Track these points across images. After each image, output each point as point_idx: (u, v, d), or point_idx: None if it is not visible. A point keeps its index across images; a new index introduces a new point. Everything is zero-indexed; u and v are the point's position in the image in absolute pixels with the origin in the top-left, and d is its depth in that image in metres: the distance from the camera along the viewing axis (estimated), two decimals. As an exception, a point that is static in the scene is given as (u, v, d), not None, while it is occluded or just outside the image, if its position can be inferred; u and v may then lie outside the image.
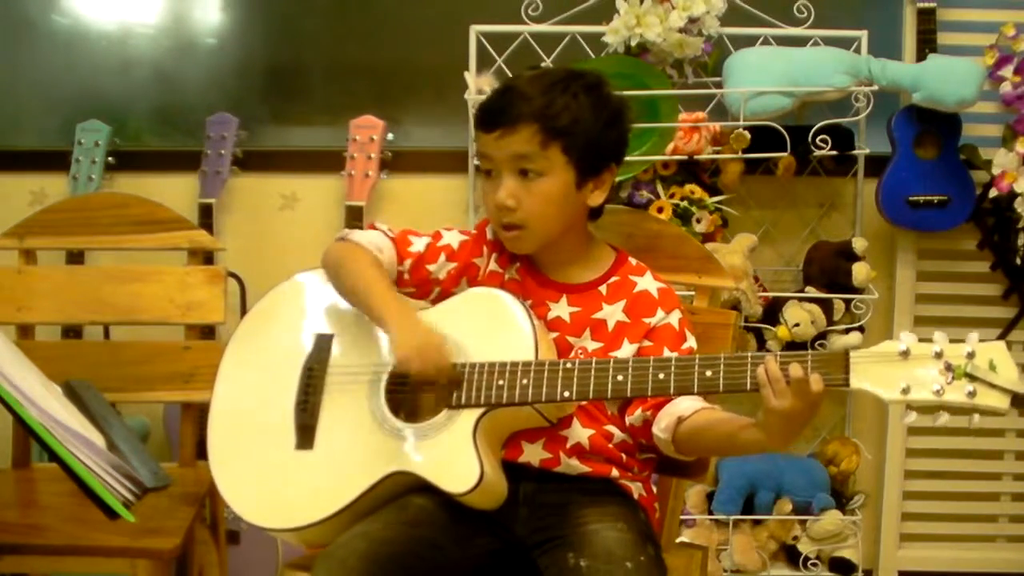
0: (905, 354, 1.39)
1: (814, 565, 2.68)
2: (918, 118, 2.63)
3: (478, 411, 1.54)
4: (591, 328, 1.64)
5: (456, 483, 1.50)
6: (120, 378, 2.11)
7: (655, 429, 1.59)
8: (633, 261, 1.72)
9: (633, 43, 2.58)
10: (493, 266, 1.70)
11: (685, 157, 2.60)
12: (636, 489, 1.65)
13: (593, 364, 1.53)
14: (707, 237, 2.61)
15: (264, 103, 2.96)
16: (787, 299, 2.67)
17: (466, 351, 1.59)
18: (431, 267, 1.68)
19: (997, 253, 2.77)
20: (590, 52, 2.64)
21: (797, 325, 2.61)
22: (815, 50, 2.63)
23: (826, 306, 2.66)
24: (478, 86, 2.54)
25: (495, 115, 1.60)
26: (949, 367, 1.37)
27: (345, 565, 1.46)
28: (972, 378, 1.36)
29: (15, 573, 1.89)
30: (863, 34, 2.67)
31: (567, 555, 1.51)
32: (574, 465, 1.61)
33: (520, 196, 1.60)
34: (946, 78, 2.54)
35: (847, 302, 2.67)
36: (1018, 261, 2.70)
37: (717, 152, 2.62)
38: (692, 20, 2.56)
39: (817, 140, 2.57)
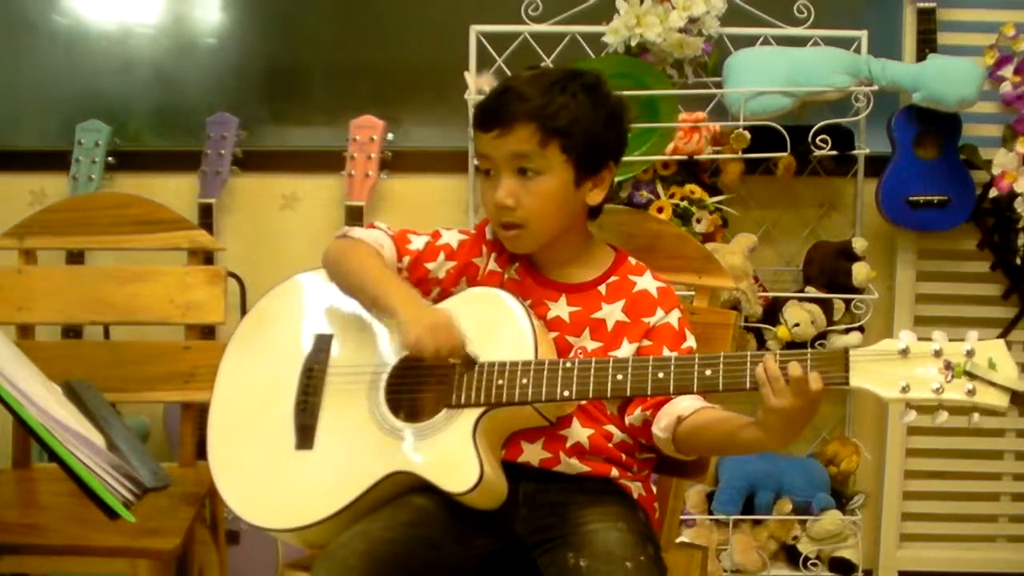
0: (904, 352, 1.39)
1: (814, 565, 2.68)
2: (918, 118, 2.63)
3: (478, 411, 1.54)
4: (590, 328, 1.64)
5: (456, 483, 1.50)
6: (120, 378, 2.11)
7: (655, 428, 1.59)
8: (632, 261, 1.72)
9: (633, 43, 2.58)
10: (492, 266, 1.70)
11: (685, 157, 2.60)
12: (636, 489, 1.65)
13: (593, 364, 1.53)
14: (707, 237, 2.61)
15: (264, 103, 2.96)
16: (787, 299, 2.67)
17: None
18: (430, 265, 1.68)
19: (997, 253, 2.77)
20: (590, 52, 2.64)
21: (797, 325, 2.61)
22: (815, 50, 2.63)
23: (826, 306, 2.66)
24: (478, 86, 2.54)
25: (493, 115, 1.60)
26: (948, 365, 1.37)
27: (345, 565, 1.46)
28: (971, 376, 1.36)
29: (15, 573, 1.89)
30: (863, 34, 2.67)
31: (567, 555, 1.51)
32: (574, 465, 1.61)
33: (519, 195, 1.60)
34: (946, 78, 2.54)
35: (847, 302, 2.67)
36: (1018, 261, 2.70)
37: (717, 152, 2.62)
38: (692, 20, 2.56)
39: (817, 140, 2.57)
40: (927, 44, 2.66)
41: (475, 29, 2.65)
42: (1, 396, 1.45)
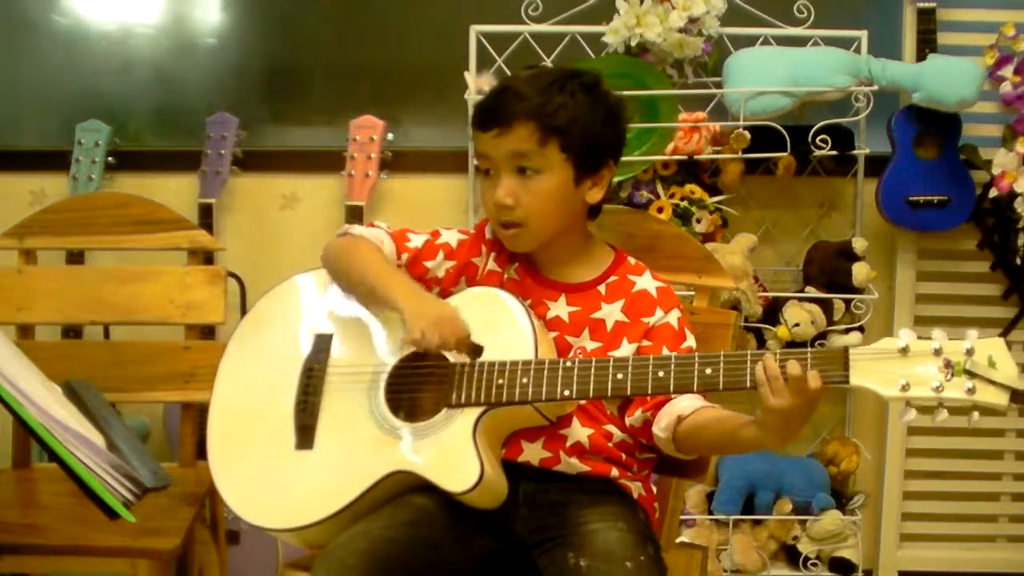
0: (904, 351, 1.39)
1: (814, 565, 2.68)
2: (918, 118, 2.63)
3: (478, 410, 1.54)
4: (590, 328, 1.64)
5: (456, 482, 1.50)
6: (120, 378, 2.11)
7: (655, 429, 1.59)
8: (632, 260, 1.72)
9: (633, 43, 2.58)
10: (492, 265, 1.70)
11: (685, 157, 2.60)
12: (636, 489, 1.65)
13: (593, 363, 1.53)
14: (707, 237, 2.61)
15: (264, 103, 2.96)
16: (787, 299, 2.67)
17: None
18: (429, 264, 1.68)
19: (997, 253, 2.77)
20: (590, 52, 2.64)
21: (797, 325, 2.61)
22: (815, 50, 2.63)
23: (826, 306, 2.66)
24: (478, 86, 2.54)
25: (492, 114, 1.61)
26: (948, 364, 1.37)
27: (345, 564, 1.46)
28: (971, 375, 1.36)
29: (15, 573, 1.89)
30: (863, 34, 2.67)
31: (567, 555, 1.51)
32: (574, 464, 1.61)
33: (519, 194, 1.60)
34: (946, 78, 2.54)
35: (847, 302, 2.67)
36: (1018, 261, 2.70)
37: (717, 152, 2.62)
38: (692, 20, 2.56)
39: (817, 140, 2.57)
40: (927, 44, 2.66)
41: (475, 29, 2.65)
42: (1, 396, 1.45)
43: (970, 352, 1.37)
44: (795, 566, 2.69)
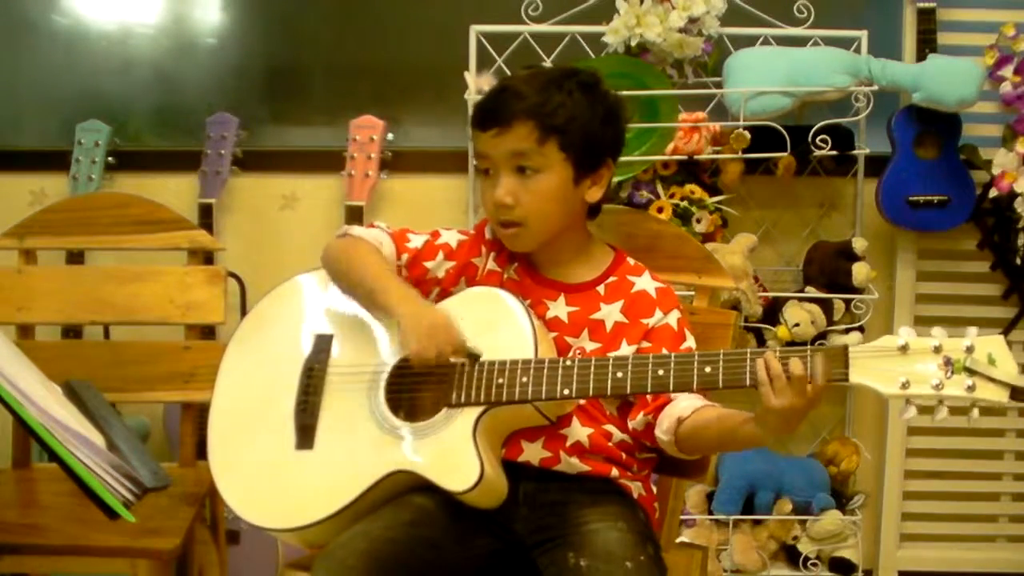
0: (904, 349, 1.39)
1: (814, 565, 2.68)
2: (918, 118, 2.63)
3: (478, 410, 1.54)
4: (589, 328, 1.64)
5: (456, 481, 1.50)
6: (120, 378, 2.11)
7: (658, 432, 1.59)
8: (631, 261, 1.72)
9: (633, 43, 2.58)
10: (492, 265, 1.70)
11: (685, 157, 2.60)
12: (636, 488, 1.65)
13: (593, 362, 1.54)
14: (707, 237, 2.61)
15: (264, 103, 2.96)
16: (787, 299, 2.67)
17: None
18: (428, 264, 1.68)
19: (997, 253, 2.77)
20: (590, 52, 2.64)
21: (797, 325, 2.61)
22: (815, 50, 2.63)
23: (826, 306, 2.66)
24: (478, 86, 2.54)
25: (491, 113, 1.61)
26: (948, 361, 1.37)
27: (345, 564, 1.46)
28: (971, 372, 1.36)
29: (15, 573, 1.89)
30: (863, 34, 2.67)
31: (567, 555, 1.51)
32: (574, 464, 1.61)
33: (518, 193, 1.61)
34: (946, 78, 2.54)
35: (847, 302, 2.67)
36: (1018, 261, 2.70)
37: (717, 152, 2.62)
38: (692, 20, 2.56)
39: (817, 140, 2.57)
40: (927, 44, 2.66)
41: (475, 29, 2.65)
42: (1, 396, 1.45)
43: (970, 350, 1.37)
44: (795, 566, 2.69)
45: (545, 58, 2.61)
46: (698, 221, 2.61)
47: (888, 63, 2.58)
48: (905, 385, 1.37)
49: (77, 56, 2.92)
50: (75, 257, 2.45)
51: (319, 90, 3.01)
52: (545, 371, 1.53)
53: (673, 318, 1.66)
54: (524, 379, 1.53)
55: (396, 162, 2.72)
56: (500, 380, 1.54)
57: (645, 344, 1.63)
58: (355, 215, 2.61)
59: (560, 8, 2.65)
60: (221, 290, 2.14)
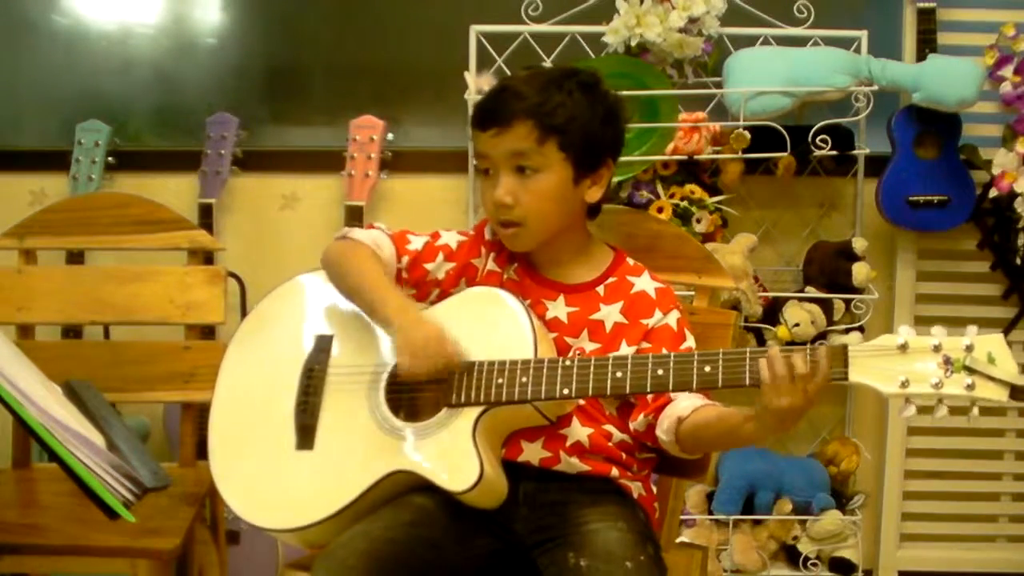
0: (903, 348, 1.39)
1: (814, 565, 2.68)
2: (918, 118, 2.63)
3: (477, 409, 1.54)
4: (588, 329, 1.64)
5: (456, 481, 1.50)
6: (120, 378, 2.11)
7: (659, 432, 1.59)
8: (631, 261, 1.72)
9: (633, 43, 2.58)
10: (491, 266, 1.70)
11: (685, 157, 2.60)
12: (636, 488, 1.65)
13: (592, 361, 1.54)
14: (707, 237, 2.61)
15: (264, 103, 2.96)
16: (787, 299, 2.67)
17: (465, 349, 1.58)
18: (429, 266, 1.68)
19: (997, 253, 2.77)
20: (590, 52, 2.64)
21: (797, 325, 2.61)
22: (815, 50, 2.63)
23: (826, 306, 2.66)
24: (478, 86, 2.54)
25: (491, 113, 1.61)
26: (948, 360, 1.37)
27: (345, 564, 1.46)
28: (971, 371, 1.36)
29: (15, 573, 1.89)
30: (863, 34, 2.67)
31: (567, 555, 1.51)
32: (574, 464, 1.61)
33: (518, 193, 1.61)
34: (946, 78, 2.54)
35: (847, 302, 2.67)
36: (1018, 261, 2.70)
37: (717, 152, 2.62)
38: (692, 20, 2.56)
39: (817, 140, 2.57)
40: (927, 44, 2.66)
41: (475, 29, 2.65)
42: (1, 396, 1.45)
43: (969, 348, 1.37)
44: (795, 566, 2.69)
45: (545, 58, 2.61)
46: (698, 221, 2.61)
47: (888, 63, 2.58)
48: (905, 384, 1.37)
49: (77, 56, 2.92)
50: (75, 257, 2.45)
51: (319, 90, 3.01)
52: (544, 371, 1.53)
53: (672, 318, 1.66)
54: (524, 379, 1.53)
55: (396, 162, 2.72)
56: (500, 380, 1.54)
57: (645, 344, 1.63)
58: (355, 215, 2.61)
59: (560, 8, 2.65)
60: (221, 290, 2.14)
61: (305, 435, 1.61)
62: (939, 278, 2.83)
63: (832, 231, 2.82)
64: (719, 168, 2.67)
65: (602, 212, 1.73)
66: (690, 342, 1.66)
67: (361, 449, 1.57)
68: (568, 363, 1.54)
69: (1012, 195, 2.61)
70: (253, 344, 1.73)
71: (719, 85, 2.62)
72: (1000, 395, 1.36)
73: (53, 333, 2.50)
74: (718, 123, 2.60)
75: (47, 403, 1.50)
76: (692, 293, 1.88)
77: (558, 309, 1.65)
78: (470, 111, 2.53)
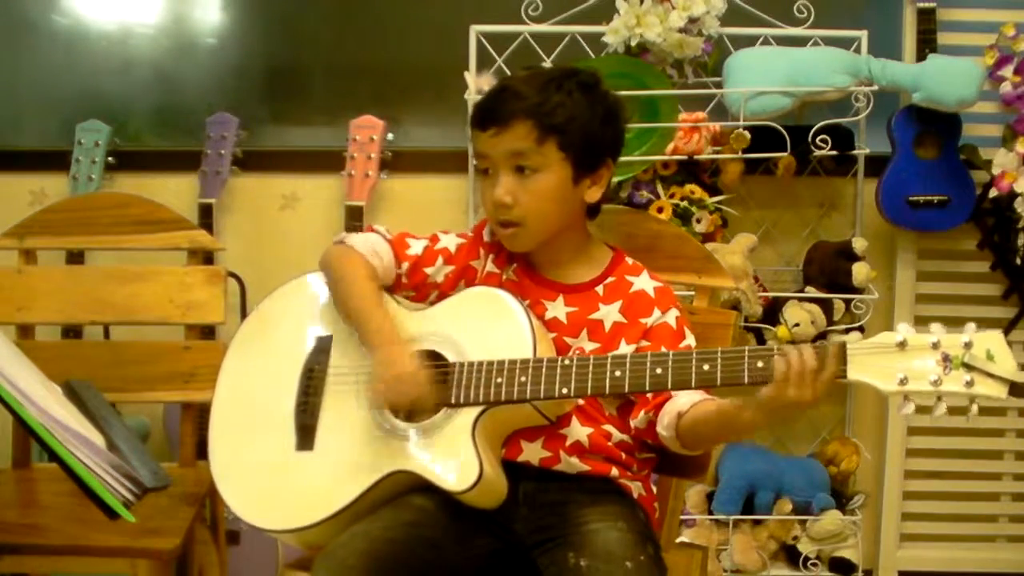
0: (902, 345, 1.39)
1: (814, 565, 2.68)
2: (918, 118, 2.63)
3: (477, 409, 1.54)
4: (588, 329, 1.64)
5: (455, 481, 1.50)
6: (120, 378, 2.11)
7: (659, 428, 1.59)
8: (630, 260, 1.72)
9: (633, 43, 2.58)
10: (490, 267, 1.70)
11: (685, 157, 2.60)
12: (636, 488, 1.65)
13: (591, 360, 1.53)
14: (707, 237, 2.61)
15: (264, 103, 2.96)
16: (787, 299, 2.67)
17: (464, 349, 1.59)
18: (428, 270, 1.68)
19: (997, 253, 2.77)
20: (590, 52, 2.64)
21: (797, 325, 2.61)
22: (815, 50, 2.63)
23: (826, 306, 2.66)
24: (478, 86, 2.54)
25: (490, 113, 1.61)
26: (946, 358, 1.37)
27: (345, 564, 1.46)
28: (969, 368, 1.36)
29: (15, 573, 1.89)
30: (863, 34, 2.67)
31: (567, 555, 1.51)
32: (574, 463, 1.61)
33: (517, 193, 1.61)
34: (946, 78, 2.54)
35: (847, 302, 2.67)
36: (1018, 261, 2.70)
37: (717, 152, 2.62)
38: (692, 20, 2.56)
39: (817, 140, 2.57)
40: (927, 44, 2.66)
41: (475, 29, 2.65)
42: (1, 396, 1.45)
43: (968, 346, 1.37)
44: (795, 566, 2.69)
45: (545, 58, 2.61)
46: (698, 221, 2.61)
47: (888, 63, 2.58)
48: (903, 381, 1.37)
49: (77, 56, 2.92)
50: (75, 257, 2.45)
51: (319, 90, 3.01)
52: (543, 370, 1.53)
53: (671, 316, 1.66)
54: (523, 378, 1.53)
55: (396, 162, 2.72)
56: (499, 380, 1.54)
57: (644, 343, 1.63)
58: (355, 215, 2.61)
59: (560, 8, 2.65)
60: (221, 290, 2.14)
61: (305, 435, 1.61)
62: (939, 278, 2.83)
63: (832, 231, 2.82)
64: (719, 168, 2.67)
65: (602, 212, 1.73)
66: (689, 340, 1.66)
67: (361, 449, 1.58)
68: (567, 362, 1.54)
69: (1012, 195, 2.61)
70: (254, 344, 1.73)
71: (719, 85, 2.62)
72: (999, 392, 1.35)
73: (53, 333, 2.50)
74: (718, 123, 2.60)
75: (47, 403, 1.50)
76: (692, 293, 1.88)
77: (557, 309, 1.65)
78: (470, 111, 2.53)
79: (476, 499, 1.52)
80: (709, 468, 1.76)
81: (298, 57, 2.99)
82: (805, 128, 2.57)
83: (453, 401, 1.55)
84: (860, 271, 2.64)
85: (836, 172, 2.78)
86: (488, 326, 1.60)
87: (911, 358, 1.38)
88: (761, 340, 2.66)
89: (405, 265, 1.68)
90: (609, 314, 1.65)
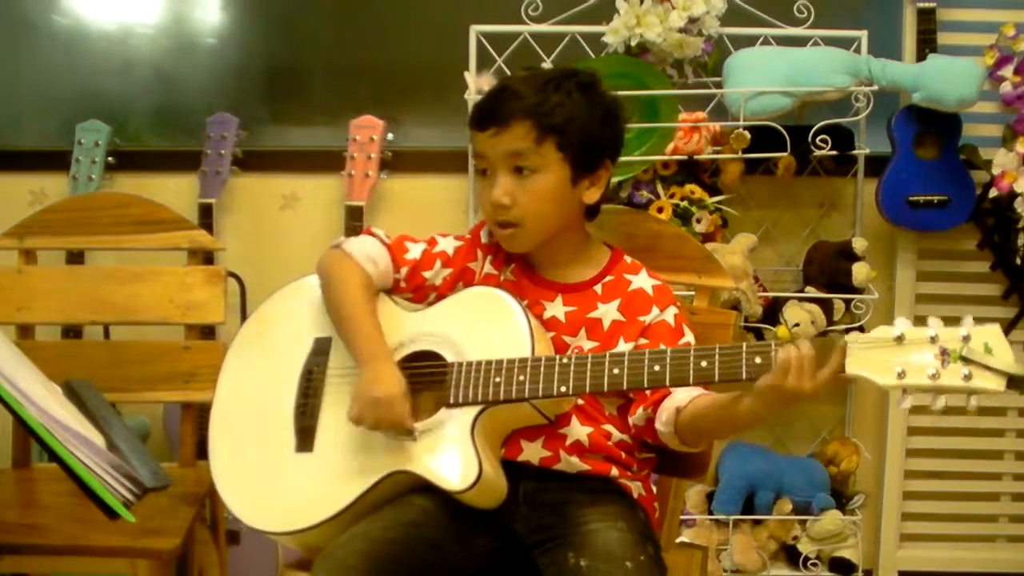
0: (900, 339, 1.39)
1: (814, 565, 2.68)
2: (918, 118, 2.63)
3: (476, 409, 1.54)
4: (586, 328, 1.64)
5: (455, 481, 1.50)
6: (120, 378, 2.11)
7: (658, 424, 1.59)
8: (628, 259, 1.72)
9: (633, 43, 2.58)
10: (488, 268, 1.70)
11: (685, 157, 2.60)
12: (636, 488, 1.65)
13: (589, 359, 1.53)
14: (707, 237, 2.61)
15: (264, 103, 2.96)
16: (787, 299, 2.67)
17: (462, 349, 1.59)
18: (427, 274, 1.69)
19: (997, 253, 2.77)
20: (590, 52, 2.64)
21: (797, 325, 2.60)
22: (815, 50, 2.63)
23: (826, 306, 2.66)
24: (478, 86, 2.54)
25: (489, 113, 1.61)
26: (944, 351, 1.37)
27: (345, 565, 1.46)
28: (967, 361, 1.36)
29: (15, 573, 1.89)
30: (863, 34, 2.67)
31: (567, 554, 1.51)
32: (574, 463, 1.61)
33: (515, 194, 1.61)
34: (946, 78, 2.54)
35: (847, 302, 2.67)
36: (1018, 261, 2.70)
37: (717, 152, 2.62)
38: (692, 20, 2.56)
39: (817, 140, 2.57)
40: (927, 44, 2.66)
41: (475, 29, 2.65)
42: (1, 396, 1.45)
43: (966, 339, 1.36)
44: (795, 566, 2.69)
45: (545, 58, 2.61)
46: (698, 221, 2.61)
47: (888, 63, 2.58)
48: (901, 375, 1.37)
49: (77, 56, 2.92)
50: (75, 257, 2.45)
51: (319, 90, 3.01)
52: (542, 369, 1.53)
53: (670, 314, 1.66)
54: (521, 377, 1.53)
55: (396, 162, 2.72)
56: (497, 379, 1.54)
57: (642, 341, 1.63)
58: (355, 215, 2.61)
59: (560, 8, 2.65)
60: (221, 290, 2.14)
61: (304, 437, 1.61)
62: (939, 278, 2.83)
63: (832, 231, 2.82)
64: (719, 168, 2.67)
65: (602, 212, 1.73)
66: (688, 338, 1.66)
67: (360, 450, 1.58)
68: (565, 361, 1.54)
69: (1012, 195, 2.61)
70: (254, 346, 1.73)
71: (719, 85, 2.62)
72: (998, 385, 1.35)
73: (53, 333, 2.50)
74: (718, 123, 2.60)
75: (47, 403, 1.50)
76: (692, 293, 1.88)
77: (555, 308, 1.65)
78: (470, 111, 2.54)
79: (476, 499, 1.52)
80: (709, 468, 1.76)
81: (298, 57, 2.99)
82: (805, 128, 2.57)
83: (452, 401, 1.55)
84: (860, 271, 2.64)
85: (836, 172, 2.78)
86: (486, 326, 1.60)
87: (909, 352, 1.38)
88: (761, 340, 2.66)
89: (404, 270, 1.69)
90: (608, 313, 1.65)
